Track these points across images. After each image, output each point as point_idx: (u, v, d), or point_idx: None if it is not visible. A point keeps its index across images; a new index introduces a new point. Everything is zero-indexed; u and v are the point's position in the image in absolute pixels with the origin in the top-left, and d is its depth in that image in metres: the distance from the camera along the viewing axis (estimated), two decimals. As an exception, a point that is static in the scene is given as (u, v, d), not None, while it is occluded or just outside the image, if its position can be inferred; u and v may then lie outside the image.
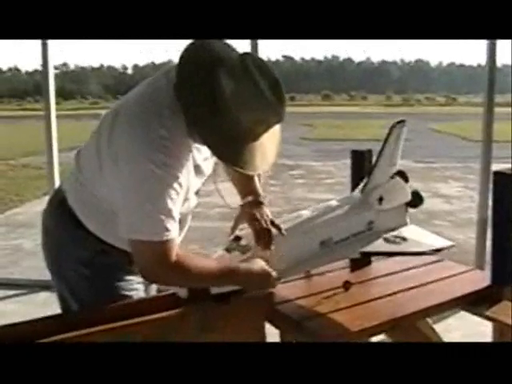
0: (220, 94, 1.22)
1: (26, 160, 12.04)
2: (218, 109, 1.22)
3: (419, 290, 1.68)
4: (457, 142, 15.90)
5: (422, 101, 55.46)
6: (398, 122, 1.71)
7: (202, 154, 1.38)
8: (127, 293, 1.46)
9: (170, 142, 1.23)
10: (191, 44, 1.28)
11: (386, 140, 1.69)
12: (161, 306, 1.39)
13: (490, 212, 1.66)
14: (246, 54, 1.28)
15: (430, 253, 1.66)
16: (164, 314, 1.35)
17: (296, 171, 10.54)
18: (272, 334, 1.55)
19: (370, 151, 1.95)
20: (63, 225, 1.46)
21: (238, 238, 1.46)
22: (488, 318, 1.62)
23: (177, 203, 1.26)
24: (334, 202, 1.69)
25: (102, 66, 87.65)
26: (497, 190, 1.67)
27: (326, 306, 1.56)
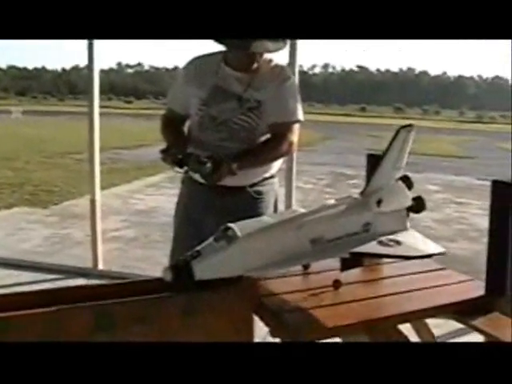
0: None
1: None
2: None
3: (406, 295, 1.67)
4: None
5: (497, 119, 53.56)
6: (405, 126, 1.71)
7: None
8: None
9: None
10: None
11: (390, 143, 1.70)
12: (147, 289, 1.45)
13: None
14: None
15: (419, 257, 1.64)
16: (147, 296, 1.41)
17: (355, 180, 10.43)
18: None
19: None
20: None
21: (226, 229, 1.50)
22: (475, 329, 1.59)
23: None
24: (331, 201, 1.70)
25: (176, 67, 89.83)
26: (495, 199, 1.64)
27: (309, 302, 1.58)
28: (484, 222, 6.08)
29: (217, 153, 1.97)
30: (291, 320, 1.50)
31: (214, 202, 2.14)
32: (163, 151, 1.99)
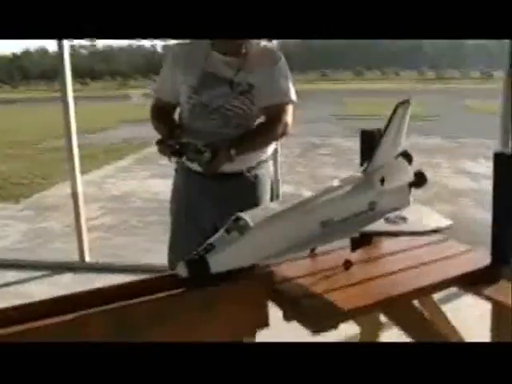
0: None
1: (55, 142, 12.04)
2: None
3: (417, 270, 1.68)
4: (490, 119, 15.48)
5: (457, 77, 54.24)
6: (403, 102, 1.71)
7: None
8: None
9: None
10: None
11: (390, 120, 1.69)
12: (161, 286, 1.43)
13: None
14: None
15: (428, 233, 1.66)
16: (164, 294, 1.39)
17: (324, 149, 10.48)
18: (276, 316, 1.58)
19: (379, 130, 1.93)
20: None
21: (237, 219, 1.48)
22: (487, 298, 1.62)
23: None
24: (335, 182, 1.70)
25: (130, 45, 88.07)
26: (497, 171, 1.66)
27: (323, 285, 1.59)
28: (457, 183, 6.23)
29: (213, 140, 1.95)
30: (309, 306, 1.50)
31: (213, 190, 2.12)
32: (159, 142, 1.96)
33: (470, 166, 8.51)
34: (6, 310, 1.32)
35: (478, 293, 1.64)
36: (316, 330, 1.48)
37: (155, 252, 4.33)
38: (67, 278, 3.57)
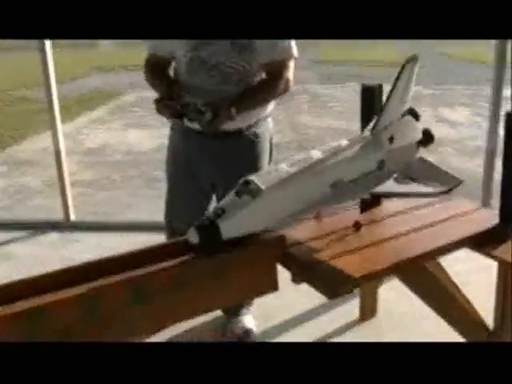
0: None
1: (26, 93, 11.60)
2: None
3: (427, 231, 1.67)
4: (468, 66, 15.44)
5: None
6: (411, 59, 1.64)
7: None
8: None
9: None
10: None
11: (397, 77, 1.63)
12: (172, 253, 1.40)
13: (499, 142, 1.64)
14: None
15: (440, 193, 1.63)
16: (175, 261, 1.36)
17: (302, 96, 10.31)
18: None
19: (380, 86, 1.90)
20: None
21: (247, 182, 1.43)
22: (495, 258, 1.62)
23: None
24: (344, 142, 1.64)
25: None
26: (509, 129, 1.63)
27: (336, 248, 1.57)
28: (440, 131, 6.23)
29: (212, 98, 1.87)
30: (323, 273, 1.48)
31: (212, 148, 2.07)
32: (157, 101, 1.87)
33: (448, 113, 8.51)
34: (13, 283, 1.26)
35: (486, 253, 1.64)
36: (331, 296, 1.47)
37: (137, 207, 4.29)
38: (52, 237, 3.47)
